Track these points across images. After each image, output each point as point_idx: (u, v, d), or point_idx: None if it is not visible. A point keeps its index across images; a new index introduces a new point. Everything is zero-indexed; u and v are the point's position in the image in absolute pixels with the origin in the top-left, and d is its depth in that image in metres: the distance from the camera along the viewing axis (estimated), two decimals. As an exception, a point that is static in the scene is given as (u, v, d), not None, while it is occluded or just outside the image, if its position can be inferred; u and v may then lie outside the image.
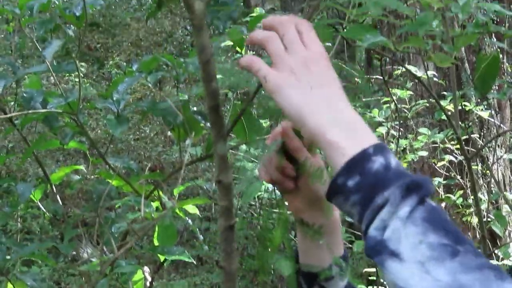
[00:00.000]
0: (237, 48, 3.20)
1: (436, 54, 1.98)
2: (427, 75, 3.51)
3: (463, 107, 5.23)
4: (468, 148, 5.40)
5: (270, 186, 3.58)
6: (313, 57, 1.24)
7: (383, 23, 5.89)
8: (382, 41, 1.63)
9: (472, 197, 5.40)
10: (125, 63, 10.45)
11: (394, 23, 1.32)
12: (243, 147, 4.08)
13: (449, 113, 4.02)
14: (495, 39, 6.10)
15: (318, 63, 1.24)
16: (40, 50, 2.73)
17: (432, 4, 1.68)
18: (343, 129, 1.17)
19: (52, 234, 6.82)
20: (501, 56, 5.55)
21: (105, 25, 10.30)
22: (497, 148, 5.09)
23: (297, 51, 1.24)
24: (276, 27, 1.28)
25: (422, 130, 5.30)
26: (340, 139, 1.16)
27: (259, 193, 3.96)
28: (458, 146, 5.33)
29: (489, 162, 5.77)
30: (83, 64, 8.53)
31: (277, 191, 1.51)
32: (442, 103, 4.42)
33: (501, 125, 6.15)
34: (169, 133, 9.24)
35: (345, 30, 2.28)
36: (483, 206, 4.95)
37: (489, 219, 4.53)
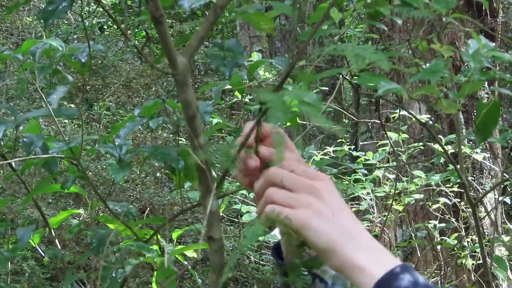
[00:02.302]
0: (236, 93, 3.21)
1: (444, 100, 1.99)
2: (431, 118, 3.51)
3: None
4: (460, 190, 5.43)
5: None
6: (321, 185, 1.30)
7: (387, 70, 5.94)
8: (396, 88, 1.64)
9: (468, 239, 5.40)
10: (114, 105, 10.45)
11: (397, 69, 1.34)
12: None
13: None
14: (486, 84, 6.16)
15: (327, 190, 1.31)
16: (44, 96, 2.72)
17: (442, 52, 1.70)
18: (367, 254, 1.26)
19: (43, 276, 6.76)
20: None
21: (96, 67, 10.32)
22: (494, 192, 5.10)
23: (304, 186, 1.30)
24: (271, 180, 1.32)
25: (417, 172, 5.32)
26: (367, 263, 1.25)
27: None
28: (452, 189, 5.34)
29: (485, 205, 5.79)
30: (72, 105, 8.52)
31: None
32: (437, 146, 4.45)
33: (494, 166, 6.18)
34: (158, 174, 9.23)
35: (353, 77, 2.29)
36: (478, 250, 4.96)
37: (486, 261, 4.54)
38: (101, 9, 12.69)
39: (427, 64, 1.89)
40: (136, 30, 12.56)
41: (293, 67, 1.43)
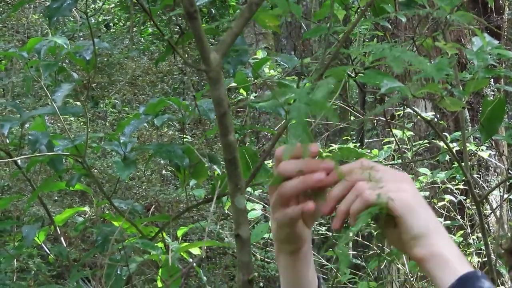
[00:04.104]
0: (242, 90, 3.21)
1: (448, 98, 1.99)
2: (436, 116, 3.51)
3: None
4: (466, 188, 5.42)
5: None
6: (407, 177, 1.34)
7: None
8: (399, 87, 1.64)
9: (474, 237, 5.40)
10: (119, 102, 10.45)
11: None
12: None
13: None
14: (492, 81, 6.14)
15: (413, 183, 1.33)
16: (48, 94, 2.73)
17: (446, 50, 1.70)
18: (453, 249, 1.28)
19: (49, 274, 6.76)
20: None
21: (101, 65, 10.31)
22: (499, 189, 5.09)
23: (393, 176, 1.32)
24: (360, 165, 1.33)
25: (422, 170, 5.31)
26: (455, 258, 1.26)
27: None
28: (458, 186, 5.33)
29: (490, 202, 5.78)
30: (77, 103, 8.53)
31: None
32: (443, 144, 4.43)
33: (500, 164, 6.18)
34: (163, 171, 9.23)
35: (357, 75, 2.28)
36: (483, 247, 4.96)
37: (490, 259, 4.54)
38: (107, 6, 12.70)
39: (432, 62, 1.89)
40: (142, 28, 12.56)
41: (327, 68, 1.44)
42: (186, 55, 10.19)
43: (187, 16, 1.33)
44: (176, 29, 2.48)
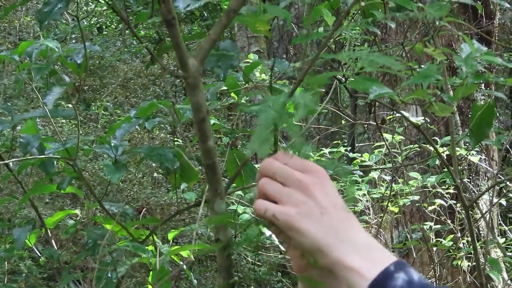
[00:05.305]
0: (232, 94, 3.22)
1: (436, 104, 2.01)
2: (425, 121, 3.53)
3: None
4: (456, 192, 5.44)
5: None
6: (312, 180, 1.26)
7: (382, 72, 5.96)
8: (388, 93, 1.65)
9: (464, 241, 5.41)
10: (111, 105, 10.45)
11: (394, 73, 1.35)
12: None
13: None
14: (483, 86, 6.16)
15: (319, 185, 1.26)
16: (40, 97, 2.74)
17: (435, 56, 1.72)
18: (360, 253, 1.21)
19: (40, 276, 6.76)
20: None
21: (93, 67, 10.32)
22: (488, 193, 5.11)
23: (294, 180, 1.25)
24: (265, 172, 1.28)
25: (413, 174, 5.33)
26: (360, 263, 1.19)
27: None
28: (448, 190, 5.35)
29: (480, 207, 5.80)
30: (69, 106, 8.52)
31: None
32: (433, 148, 4.45)
33: (490, 168, 6.19)
34: (155, 174, 9.23)
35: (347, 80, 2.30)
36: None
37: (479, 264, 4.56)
38: (99, 9, 12.69)
39: (422, 67, 1.90)
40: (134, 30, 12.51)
41: (306, 74, 1.45)
42: (171, 61, 10.19)
43: (164, 23, 1.34)
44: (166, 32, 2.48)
